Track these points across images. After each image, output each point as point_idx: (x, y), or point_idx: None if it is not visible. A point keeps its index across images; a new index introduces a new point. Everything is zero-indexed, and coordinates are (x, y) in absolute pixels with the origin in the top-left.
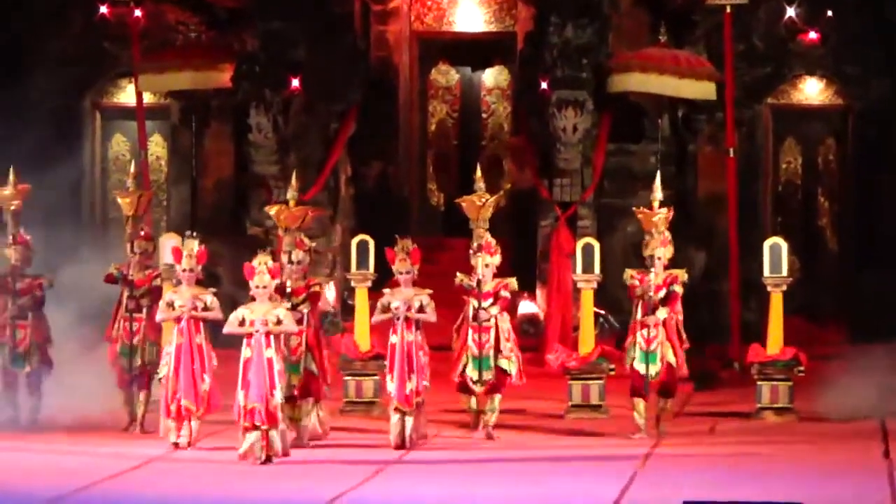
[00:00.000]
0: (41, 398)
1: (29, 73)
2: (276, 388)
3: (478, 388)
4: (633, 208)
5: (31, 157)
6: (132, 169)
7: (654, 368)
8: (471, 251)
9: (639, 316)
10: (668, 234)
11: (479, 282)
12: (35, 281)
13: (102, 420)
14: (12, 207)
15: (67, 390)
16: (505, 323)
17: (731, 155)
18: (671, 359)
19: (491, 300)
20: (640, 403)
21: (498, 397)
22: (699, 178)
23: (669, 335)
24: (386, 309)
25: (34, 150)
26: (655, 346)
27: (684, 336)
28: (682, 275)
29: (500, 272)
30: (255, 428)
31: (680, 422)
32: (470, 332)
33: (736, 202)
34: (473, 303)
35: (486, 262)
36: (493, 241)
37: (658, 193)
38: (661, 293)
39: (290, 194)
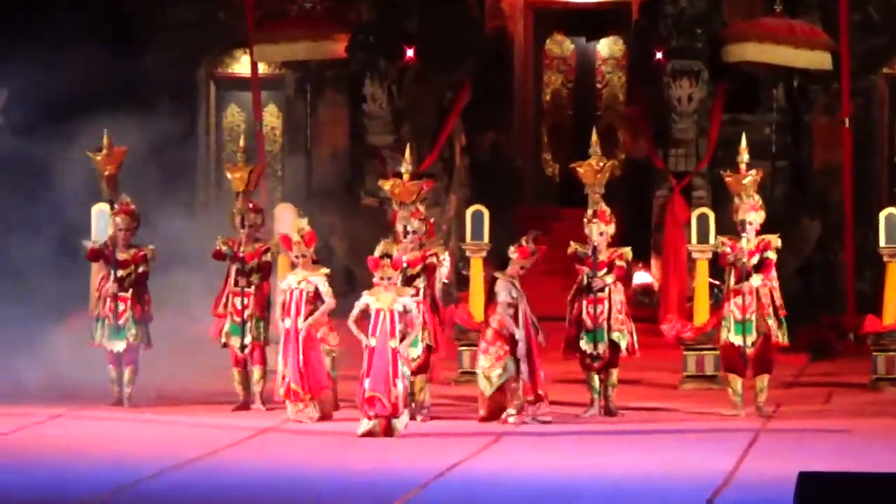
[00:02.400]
0: (136, 373)
1: (144, 43)
2: (399, 377)
3: (595, 363)
4: (721, 172)
5: (146, 127)
6: (242, 142)
7: (750, 338)
8: (585, 219)
9: (732, 284)
10: (758, 198)
11: (594, 249)
12: (139, 252)
13: (208, 393)
14: (107, 172)
15: (172, 364)
16: (618, 294)
17: (847, 125)
18: (766, 329)
19: (605, 270)
20: (736, 381)
21: (615, 372)
22: (814, 149)
23: (764, 304)
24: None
25: (149, 121)
26: (750, 315)
27: (780, 303)
28: (775, 240)
29: (614, 242)
30: (377, 417)
31: (795, 392)
32: (584, 304)
33: (851, 172)
34: (587, 272)
35: (601, 230)
36: (608, 210)
37: (745, 156)
38: (755, 259)
39: (405, 167)
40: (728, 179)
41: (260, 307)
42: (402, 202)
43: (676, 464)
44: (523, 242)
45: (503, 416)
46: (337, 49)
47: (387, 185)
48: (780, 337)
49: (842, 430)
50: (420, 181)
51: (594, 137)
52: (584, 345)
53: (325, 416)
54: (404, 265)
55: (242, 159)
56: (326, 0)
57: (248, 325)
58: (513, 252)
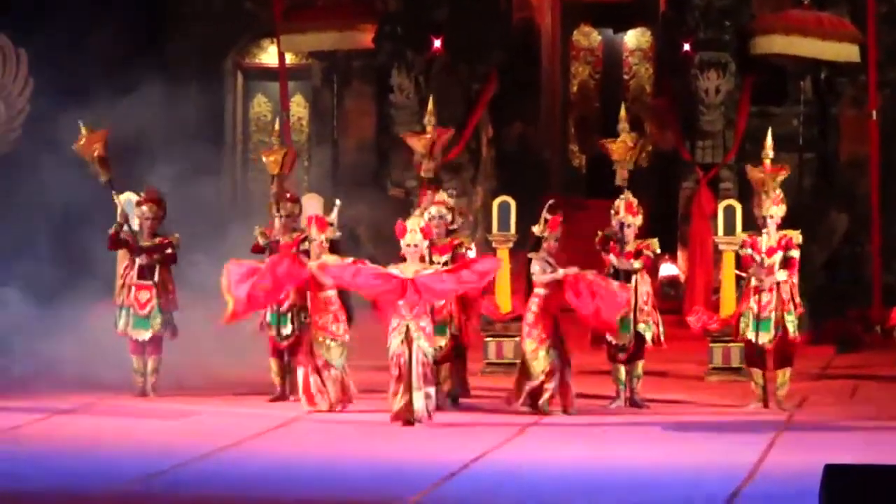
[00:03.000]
0: (160, 363)
1: (172, 33)
2: (425, 351)
3: (620, 354)
4: (747, 166)
5: (173, 117)
6: (276, 126)
7: (768, 336)
8: (612, 211)
9: (753, 282)
10: (779, 192)
11: (621, 226)
12: (164, 241)
13: (237, 383)
14: (96, 153)
15: (197, 354)
16: (645, 285)
17: (874, 117)
18: (788, 326)
19: (632, 260)
20: (757, 374)
21: (640, 363)
22: (841, 141)
23: (784, 300)
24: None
25: (176, 111)
26: (769, 313)
27: (798, 301)
28: (796, 237)
29: (641, 234)
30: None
31: (821, 385)
32: None
33: (878, 165)
34: (613, 260)
35: (629, 222)
36: (636, 202)
37: (770, 152)
38: (777, 255)
39: (427, 119)
40: (753, 174)
41: (301, 297)
42: (427, 153)
43: (702, 456)
44: (548, 217)
45: (540, 403)
46: (364, 39)
47: (415, 141)
48: (794, 333)
49: (869, 421)
50: (446, 129)
51: (622, 113)
52: (610, 336)
53: (335, 403)
54: (433, 237)
55: (277, 142)
56: None
57: (289, 315)
58: (542, 231)
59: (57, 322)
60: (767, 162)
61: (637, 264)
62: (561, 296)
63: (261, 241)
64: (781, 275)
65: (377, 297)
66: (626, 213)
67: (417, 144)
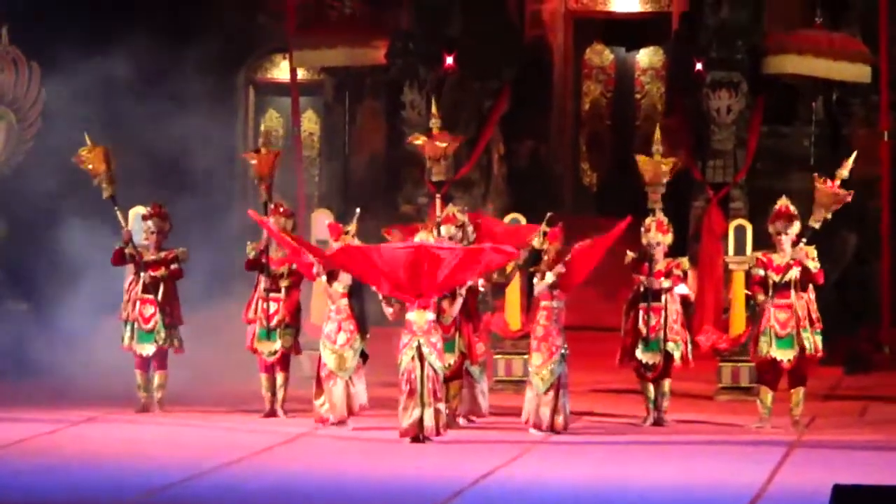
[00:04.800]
0: (166, 377)
1: (184, 47)
2: (436, 367)
3: (649, 373)
4: (816, 179)
5: (185, 131)
6: (262, 127)
7: (791, 353)
8: (643, 228)
9: (772, 301)
10: (793, 209)
11: (648, 249)
12: (168, 255)
13: (241, 398)
14: (102, 167)
15: (206, 369)
16: (674, 304)
17: (885, 138)
18: (805, 343)
19: (663, 279)
20: (767, 393)
21: (667, 382)
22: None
23: (801, 317)
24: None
25: (188, 126)
26: (791, 330)
27: (816, 316)
28: (811, 251)
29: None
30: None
31: (830, 405)
32: (640, 313)
33: (889, 185)
34: (643, 279)
35: (658, 240)
36: (666, 220)
37: (846, 172)
38: (794, 272)
39: (433, 122)
40: (825, 190)
41: (290, 313)
42: (431, 157)
43: (710, 476)
44: (546, 230)
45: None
46: (376, 55)
47: (418, 140)
48: (811, 349)
49: (877, 441)
50: (452, 136)
51: (657, 135)
52: (641, 354)
53: (345, 417)
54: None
55: (262, 144)
56: (366, 6)
57: (278, 331)
58: (542, 243)
59: (62, 335)
60: (838, 182)
61: (666, 283)
62: (573, 273)
63: (251, 254)
64: (810, 292)
65: (392, 281)
66: (657, 232)
67: (427, 148)
